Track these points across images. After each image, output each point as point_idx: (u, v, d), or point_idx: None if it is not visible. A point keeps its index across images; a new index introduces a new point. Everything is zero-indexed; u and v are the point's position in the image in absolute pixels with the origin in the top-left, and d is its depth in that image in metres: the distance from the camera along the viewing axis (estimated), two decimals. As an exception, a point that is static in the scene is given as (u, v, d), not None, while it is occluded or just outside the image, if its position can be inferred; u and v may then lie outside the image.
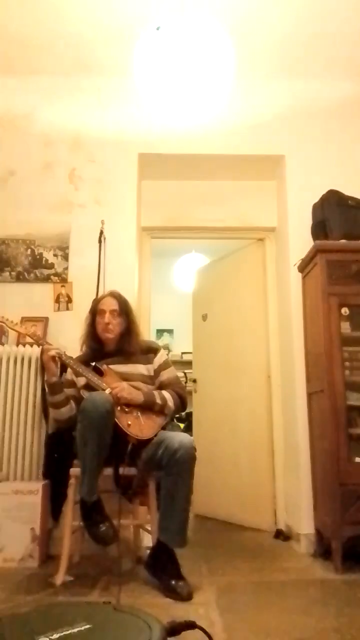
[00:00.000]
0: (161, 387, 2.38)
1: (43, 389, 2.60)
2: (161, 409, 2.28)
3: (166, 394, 2.32)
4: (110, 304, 2.41)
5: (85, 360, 2.38)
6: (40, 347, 2.36)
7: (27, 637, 1.14)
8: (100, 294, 2.80)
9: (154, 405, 2.26)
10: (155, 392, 2.31)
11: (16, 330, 2.46)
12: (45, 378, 2.37)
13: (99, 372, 2.32)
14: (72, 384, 2.39)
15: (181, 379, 2.58)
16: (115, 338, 2.39)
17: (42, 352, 2.32)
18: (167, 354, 2.61)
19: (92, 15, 2.79)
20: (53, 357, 2.28)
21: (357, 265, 2.59)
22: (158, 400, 2.27)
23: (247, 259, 3.63)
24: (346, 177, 3.05)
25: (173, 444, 2.07)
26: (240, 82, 2.88)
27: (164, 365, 2.43)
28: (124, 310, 2.43)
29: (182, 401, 2.37)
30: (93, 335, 2.43)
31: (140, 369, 2.38)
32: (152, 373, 2.40)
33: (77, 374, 2.35)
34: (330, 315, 2.54)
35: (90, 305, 2.55)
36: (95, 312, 2.44)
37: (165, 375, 2.41)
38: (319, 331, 2.59)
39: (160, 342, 5.23)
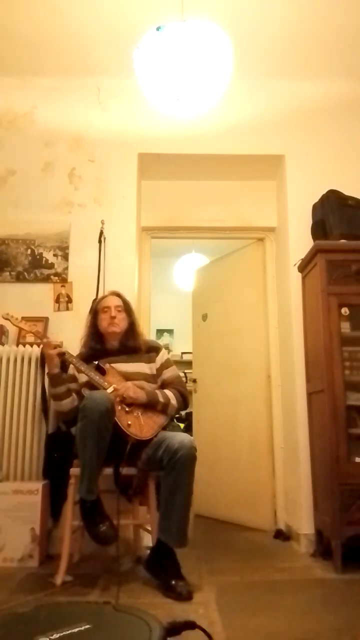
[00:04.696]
0: (163, 385, 2.40)
1: (43, 388, 2.61)
2: (164, 408, 2.29)
3: (169, 392, 2.33)
4: (114, 301, 2.46)
5: (86, 358, 2.38)
6: (43, 341, 2.36)
7: (27, 637, 1.14)
8: (100, 294, 2.81)
9: (157, 404, 2.27)
10: (158, 391, 2.32)
11: (20, 327, 2.47)
12: (47, 370, 2.37)
13: (101, 371, 2.32)
14: (75, 379, 2.39)
15: (182, 379, 2.59)
16: (120, 334, 2.41)
17: (44, 346, 2.33)
18: (168, 354, 2.62)
19: (92, 16, 2.79)
20: (55, 353, 2.29)
21: (357, 265, 2.58)
22: (161, 399, 2.28)
23: (247, 258, 3.63)
24: (346, 177, 3.05)
25: (173, 444, 2.07)
26: (240, 82, 2.88)
27: (166, 364, 2.45)
28: (127, 309, 2.47)
29: (184, 399, 2.38)
30: (94, 335, 2.44)
31: (143, 367, 2.39)
32: (154, 372, 2.41)
33: (79, 372, 2.35)
34: (330, 315, 2.54)
35: (91, 306, 2.56)
36: (97, 311, 2.46)
37: (167, 374, 2.43)
38: (318, 331, 2.59)
39: (160, 342, 5.21)
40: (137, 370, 2.36)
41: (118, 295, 2.51)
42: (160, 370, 2.42)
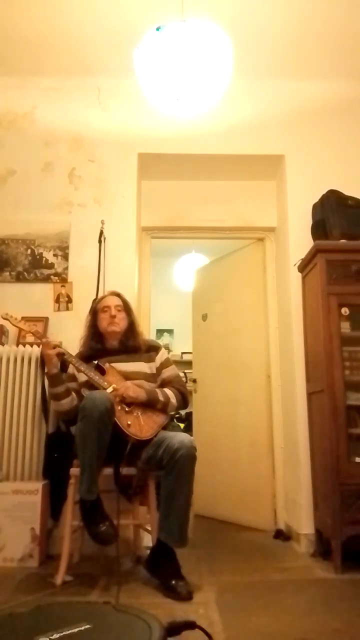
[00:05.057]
0: (163, 384, 2.40)
1: (43, 388, 2.61)
2: (164, 407, 2.29)
3: (168, 391, 2.34)
4: (114, 300, 2.48)
5: (86, 358, 2.38)
6: (42, 341, 2.36)
7: (27, 637, 1.14)
8: (100, 294, 2.81)
9: (156, 403, 2.27)
10: (158, 390, 2.32)
11: (19, 327, 2.47)
12: (46, 370, 2.37)
13: (101, 370, 2.32)
14: (74, 378, 2.40)
15: (181, 378, 2.60)
16: (119, 333, 2.42)
17: (43, 346, 2.33)
18: (167, 354, 2.63)
19: (92, 16, 2.79)
20: (55, 353, 2.29)
21: (357, 265, 2.58)
22: (161, 398, 2.29)
23: (247, 258, 3.63)
24: (346, 177, 3.04)
25: (173, 444, 2.07)
26: (240, 82, 2.88)
27: (166, 364, 2.46)
28: (127, 308, 2.49)
29: (183, 398, 2.39)
30: (94, 335, 2.44)
31: (143, 367, 2.39)
32: (154, 371, 2.41)
33: (79, 371, 2.35)
34: (330, 315, 2.54)
35: (91, 306, 2.56)
36: (96, 311, 2.46)
37: (166, 373, 2.44)
38: (318, 331, 2.59)
39: (160, 342, 5.22)
40: (137, 370, 2.37)
41: (118, 295, 2.52)
42: (159, 369, 2.43)
